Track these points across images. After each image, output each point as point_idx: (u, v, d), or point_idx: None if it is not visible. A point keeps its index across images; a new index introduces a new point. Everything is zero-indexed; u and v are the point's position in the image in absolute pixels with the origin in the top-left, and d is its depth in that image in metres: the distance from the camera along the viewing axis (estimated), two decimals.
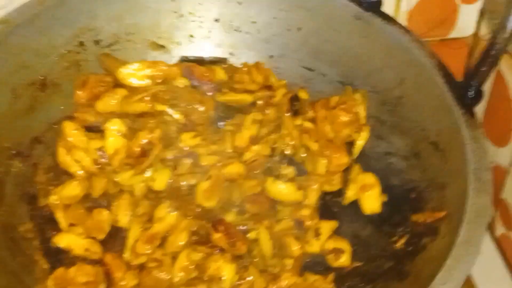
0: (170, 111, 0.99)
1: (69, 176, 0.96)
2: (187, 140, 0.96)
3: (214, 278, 0.88)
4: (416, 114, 0.98)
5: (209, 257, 0.89)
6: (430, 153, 0.95)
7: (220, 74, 1.06)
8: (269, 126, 1.02)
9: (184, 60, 1.10)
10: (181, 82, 1.02)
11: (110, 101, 0.98)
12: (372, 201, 0.99)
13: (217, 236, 0.89)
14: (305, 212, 0.96)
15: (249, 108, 1.05)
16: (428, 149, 0.96)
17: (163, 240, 0.92)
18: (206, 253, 0.90)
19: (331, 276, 0.92)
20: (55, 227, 0.95)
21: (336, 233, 0.98)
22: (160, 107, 0.99)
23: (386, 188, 1.00)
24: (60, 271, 0.89)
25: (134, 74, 0.99)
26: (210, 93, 1.03)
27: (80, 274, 0.89)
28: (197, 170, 0.95)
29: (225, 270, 0.88)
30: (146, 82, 1.00)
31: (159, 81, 1.00)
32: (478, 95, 0.91)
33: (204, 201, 0.91)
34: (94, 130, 0.97)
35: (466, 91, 0.91)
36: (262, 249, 0.93)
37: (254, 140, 0.99)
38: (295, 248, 0.93)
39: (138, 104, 0.97)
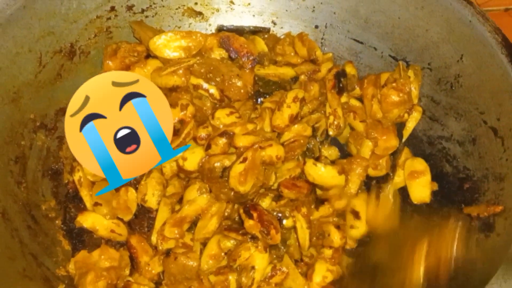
0: (205, 85, 0.96)
1: None
2: (222, 118, 0.93)
3: (245, 268, 0.86)
4: (475, 95, 0.92)
5: (241, 245, 0.87)
6: (488, 139, 0.90)
7: (260, 45, 1.02)
8: (311, 103, 0.98)
9: (222, 29, 1.06)
10: (218, 54, 0.98)
11: (141, 73, 0.95)
12: (421, 189, 0.95)
13: (249, 223, 0.86)
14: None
15: (290, 84, 1.01)
16: (486, 134, 0.90)
17: (192, 224, 0.90)
18: (238, 240, 0.87)
19: None
20: (79, 206, 0.94)
21: None
22: (194, 81, 0.96)
23: (437, 176, 0.96)
24: (82, 254, 0.88)
25: (167, 44, 0.96)
26: (249, 66, 0.99)
27: (103, 258, 0.88)
28: (232, 151, 0.92)
29: (257, 260, 0.86)
30: (180, 53, 0.96)
31: (194, 52, 0.97)
32: None
33: (237, 185, 0.88)
34: None
35: None
36: (299, 239, 0.89)
37: (295, 119, 0.95)
38: (336, 238, 0.89)
39: (171, 77, 0.94)
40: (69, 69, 0.98)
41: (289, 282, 0.89)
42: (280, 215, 0.90)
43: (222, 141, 0.92)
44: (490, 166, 0.88)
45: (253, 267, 0.86)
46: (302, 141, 0.95)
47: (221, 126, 0.93)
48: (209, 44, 0.98)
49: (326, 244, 0.90)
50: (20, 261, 0.83)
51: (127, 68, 0.97)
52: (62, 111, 0.97)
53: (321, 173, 0.92)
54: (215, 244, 0.88)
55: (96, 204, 0.91)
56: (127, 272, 0.89)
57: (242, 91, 0.97)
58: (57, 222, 0.93)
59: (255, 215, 0.86)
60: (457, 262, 0.83)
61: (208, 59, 0.97)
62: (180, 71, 0.94)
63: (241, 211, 0.87)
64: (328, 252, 0.90)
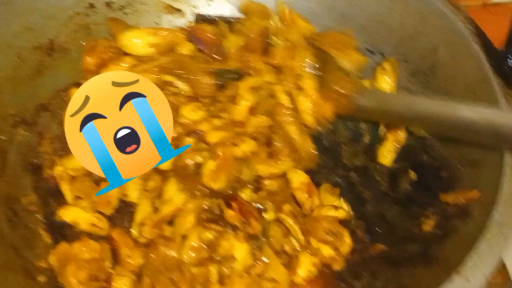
0: (177, 82, 0.96)
1: None
2: (187, 114, 0.92)
3: (226, 258, 0.87)
4: (450, 85, 0.94)
5: (221, 235, 0.88)
6: None
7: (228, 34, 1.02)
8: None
9: (200, 19, 1.07)
10: (187, 48, 0.99)
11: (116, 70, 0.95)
12: None
13: (230, 214, 0.87)
14: None
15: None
16: None
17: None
18: (218, 231, 0.88)
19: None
20: (60, 200, 0.94)
21: (361, 213, 0.97)
22: (167, 78, 0.96)
23: (416, 167, 0.98)
24: (63, 246, 0.89)
25: (135, 41, 0.96)
26: (219, 57, 0.99)
27: (84, 250, 0.89)
28: (203, 147, 0.92)
29: (238, 249, 0.87)
30: (149, 50, 0.97)
31: (165, 49, 0.97)
32: None
33: (210, 182, 0.89)
34: None
35: (505, 60, 0.87)
36: (293, 235, 0.91)
37: (255, 110, 0.94)
38: (349, 242, 0.92)
39: (145, 75, 0.94)
40: (49, 65, 0.99)
41: (271, 273, 0.90)
42: (260, 206, 0.91)
43: (191, 139, 0.92)
44: (467, 154, 0.90)
45: (233, 257, 0.87)
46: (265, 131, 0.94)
47: (189, 123, 0.92)
48: (177, 39, 0.99)
49: (335, 244, 0.91)
50: (0, 253, 0.84)
51: (106, 63, 0.98)
52: (42, 106, 0.98)
53: None
54: (195, 237, 0.89)
55: (77, 197, 0.92)
56: (109, 264, 0.89)
57: (210, 87, 0.97)
58: (38, 215, 0.93)
59: (235, 205, 0.87)
60: None
61: (177, 55, 0.97)
62: (155, 69, 0.95)
63: (221, 202, 0.89)
64: (328, 251, 0.91)
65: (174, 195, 0.90)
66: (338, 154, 1.04)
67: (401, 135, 0.99)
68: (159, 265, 0.87)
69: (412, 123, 0.94)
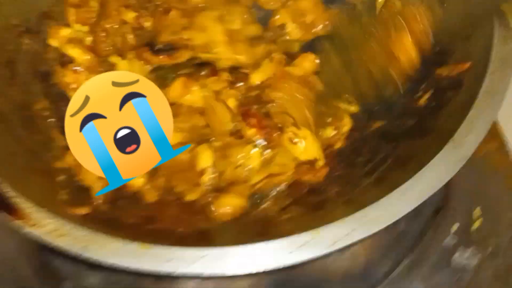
0: None
1: None
2: None
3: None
4: None
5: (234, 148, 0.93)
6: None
7: None
8: None
9: None
10: None
11: None
12: None
13: (251, 132, 0.91)
14: None
15: None
16: None
17: None
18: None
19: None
20: None
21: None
22: None
23: None
24: None
25: None
26: None
27: None
28: None
29: (253, 161, 0.92)
30: None
31: None
32: None
33: None
34: None
35: None
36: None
37: None
38: (348, 124, 0.97)
39: None
40: None
41: (279, 159, 0.94)
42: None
43: None
44: (458, 26, 0.92)
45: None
46: None
47: None
48: None
49: (336, 124, 0.96)
50: (20, 157, 0.88)
51: None
52: (45, 14, 1.01)
53: None
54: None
55: None
56: None
57: None
58: (50, 120, 0.97)
59: (254, 121, 0.91)
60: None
61: None
62: None
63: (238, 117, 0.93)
64: (329, 132, 0.96)
65: None
66: None
67: None
68: (172, 167, 0.92)
69: None
